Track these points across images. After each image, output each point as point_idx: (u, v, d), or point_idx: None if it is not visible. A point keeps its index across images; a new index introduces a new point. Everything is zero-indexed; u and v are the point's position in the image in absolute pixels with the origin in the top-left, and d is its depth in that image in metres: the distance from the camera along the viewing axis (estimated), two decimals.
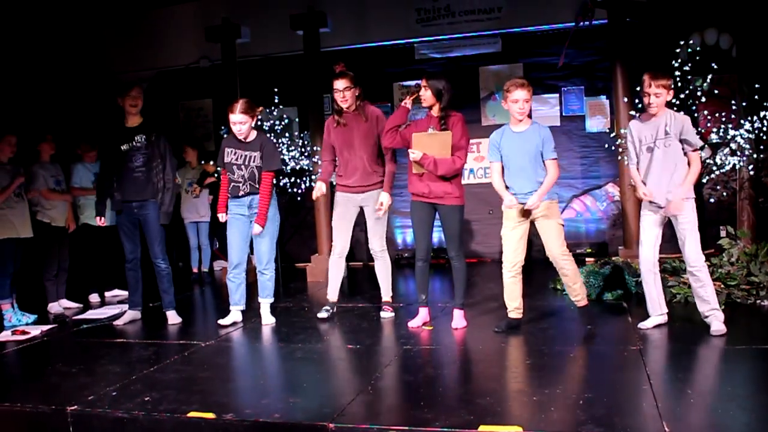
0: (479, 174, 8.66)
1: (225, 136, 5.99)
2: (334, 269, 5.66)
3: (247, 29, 8.36)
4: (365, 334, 5.08)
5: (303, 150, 8.30)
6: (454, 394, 3.70)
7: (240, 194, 5.41)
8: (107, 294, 7.27)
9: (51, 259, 6.64)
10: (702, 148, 4.89)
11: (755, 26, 7.09)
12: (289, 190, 8.37)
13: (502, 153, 4.80)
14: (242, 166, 5.40)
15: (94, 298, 7.07)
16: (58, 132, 6.94)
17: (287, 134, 8.48)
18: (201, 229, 8.40)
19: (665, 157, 4.53)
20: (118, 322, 5.75)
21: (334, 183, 5.72)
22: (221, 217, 5.57)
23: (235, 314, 5.55)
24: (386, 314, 5.55)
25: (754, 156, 6.73)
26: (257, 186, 5.39)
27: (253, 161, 5.39)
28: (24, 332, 5.59)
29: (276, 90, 8.11)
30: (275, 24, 8.49)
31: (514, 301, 4.91)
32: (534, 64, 8.44)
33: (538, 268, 7.95)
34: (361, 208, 5.60)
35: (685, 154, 4.53)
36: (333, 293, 5.68)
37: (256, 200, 5.38)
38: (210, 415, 3.39)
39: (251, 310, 5.66)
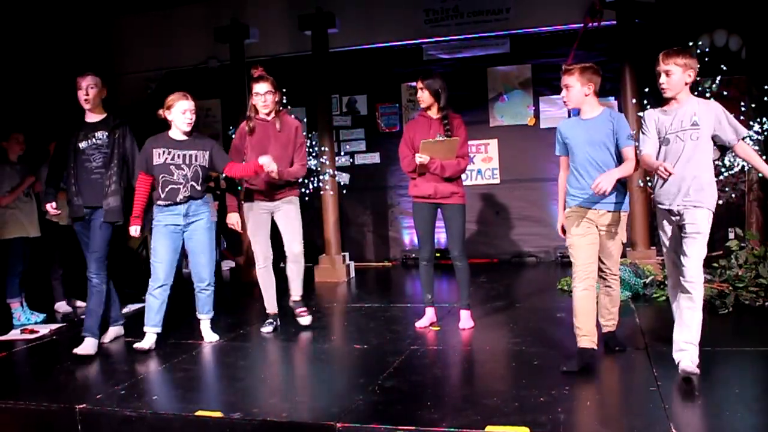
0: (487, 175, 8.65)
1: (232, 135, 5.74)
2: (264, 280, 5.33)
3: (255, 30, 8.37)
4: (372, 333, 5.08)
5: (311, 150, 8.30)
6: (461, 394, 3.70)
7: (178, 199, 4.79)
8: None
9: (59, 259, 6.65)
10: (719, 149, 4.11)
11: (765, 28, 7.07)
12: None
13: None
14: (183, 166, 4.79)
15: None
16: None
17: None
18: None
19: (687, 153, 3.70)
20: (104, 340, 5.07)
21: (241, 187, 5.34)
22: (134, 230, 4.84)
23: (151, 337, 4.86)
24: (304, 320, 5.34)
25: (764, 157, 6.70)
26: (199, 189, 4.86)
27: (197, 160, 4.84)
28: (33, 331, 5.62)
29: (284, 90, 8.10)
30: (284, 24, 8.52)
31: (587, 324, 3.96)
32: (542, 65, 8.43)
33: (545, 267, 7.97)
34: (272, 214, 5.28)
35: (723, 150, 3.90)
36: (271, 305, 5.39)
37: (194, 206, 4.85)
38: (218, 414, 3.40)
39: (260, 313, 5.67)
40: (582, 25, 7.39)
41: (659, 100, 6.64)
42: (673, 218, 3.81)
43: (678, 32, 7.23)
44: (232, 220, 5.17)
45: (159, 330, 4.88)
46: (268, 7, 8.80)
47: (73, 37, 8.73)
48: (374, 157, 9.02)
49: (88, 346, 4.76)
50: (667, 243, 3.96)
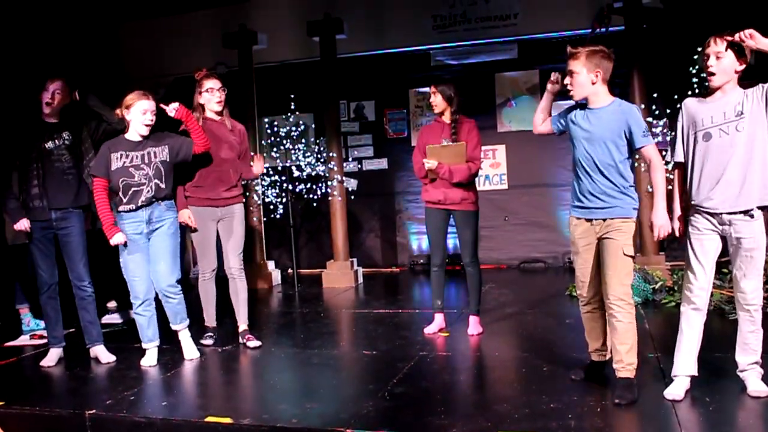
0: (495, 180, 8.64)
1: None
2: (206, 292, 5.16)
3: (264, 36, 8.39)
4: (381, 339, 5.08)
5: (319, 156, 8.32)
6: (471, 400, 3.70)
7: (140, 202, 4.50)
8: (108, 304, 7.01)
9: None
10: None
11: None
12: (305, 196, 8.41)
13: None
14: (143, 166, 4.49)
15: (111, 303, 7.10)
16: None
17: (303, 140, 8.51)
18: None
19: (734, 146, 3.29)
20: (46, 364, 4.78)
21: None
22: (119, 238, 4.49)
23: (153, 352, 4.72)
24: (253, 343, 5.07)
25: None
26: (164, 187, 4.57)
27: (157, 156, 4.55)
28: (42, 336, 5.62)
29: (292, 96, 8.15)
30: (292, 30, 8.53)
31: (594, 341, 3.89)
32: (550, 71, 8.34)
33: (554, 273, 7.95)
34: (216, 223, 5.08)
35: None
36: (211, 319, 5.25)
37: (158, 212, 4.57)
38: (227, 420, 3.41)
39: (267, 318, 5.68)
40: (590, 30, 7.39)
41: (668, 105, 6.66)
42: (719, 226, 3.43)
43: (686, 38, 7.21)
44: (184, 216, 4.88)
45: (157, 343, 4.75)
46: (277, 13, 8.81)
47: (83, 43, 8.77)
48: (382, 163, 9.02)
49: (106, 355, 4.83)
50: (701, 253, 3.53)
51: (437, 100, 4.95)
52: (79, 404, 3.78)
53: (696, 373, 3.50)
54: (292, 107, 8.13)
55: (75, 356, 5.03)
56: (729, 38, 3.39)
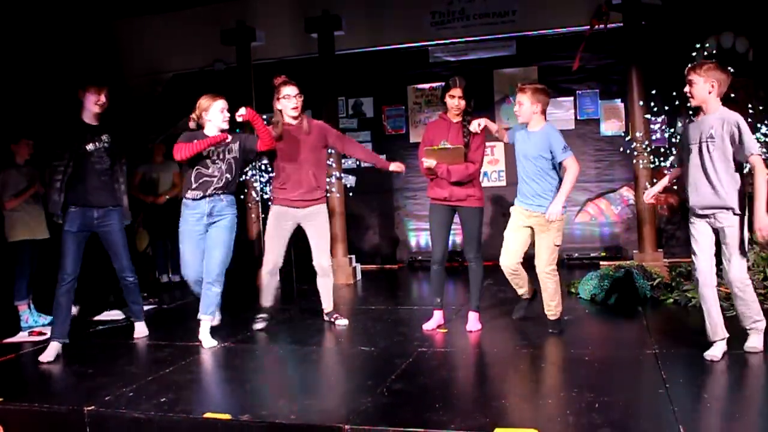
0: (493, 177, 8.65)
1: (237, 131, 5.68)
2: (267, 283, 5.39)
3: (261, 32, 8.38)
4: (379, 336, 5.08)
5: None
6: (470, 396, 3.70)
7: (208, 192, 4.93)
8: None
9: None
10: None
11: None
12: None
13: None
14: (218, 160, 4.98)
15: (109, 299, 7.10)
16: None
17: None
18: None
19: (704, 163, 3.99)
20: (44, 359, 4.76)
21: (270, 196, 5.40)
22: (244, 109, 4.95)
23: (205, 324, 5.05)
24: (341, 321, 5.45)
25: None
26: (231, 180, 5.02)
27: (231, 153, 5.03)
28: (41, 333, 5.63)
29: None
30: (290, 27, 8.52)
31: (520, 288, 5.15)
32: (549, 68, 8.43)
33: None
34: (299, 226, 5.36)
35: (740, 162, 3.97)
36: (266, 301, 5.46)
37: (219, 207, 4.98)
38: (226, 416, 3.41)
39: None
40: (588, 27, 7.39)
41: (666, 102, 6.68)
42: (704, 219, 4.10)
43: (685, 34, 7.22)
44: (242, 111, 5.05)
45: (211, 318, 5.09)
46: (275, 10, 8.80)
47: (80, 40, 8.76)
48: None
49: (141, 329, 5.41)
50: (699, 238, 4.16)
51: (461, 104, 4.94)
52: (78, 400, 3.77)
53: (727, 335, 4.06)
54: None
55: (73, 353, 5.03)
56: (701, 68, 4.05)
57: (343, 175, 7.99)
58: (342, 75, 8.38)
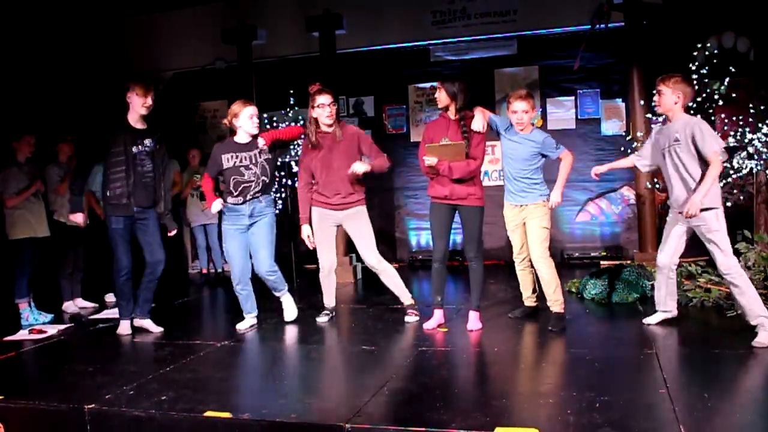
0: (494, 176, 8.65)
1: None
2: (325, 283, 5.60)
3: (263, 31, 8.40)
4: (380, 335, 5.08)
5: None
6: (470, 395, 3.70)
7: (249, 197, 5.24)
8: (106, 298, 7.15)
9: (66, 259, 6.69)
10: (726, 150, 4.62)
11: None
12: None
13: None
14: (251, 165, 5.23)
15: (109, 297, 7.11)
16: (78, 133, 6.98)
17: (302, 136, 8.46)
18: (210, 232, 8.36)
19: (676, 165, 4.48)
20: (122, 332, 5.38)
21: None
22: (216, 205, 5.28)
23: (249, 320, 5.50)
24: (411, 318, 5.45)
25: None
26: (268, 182, 5.33)
27: (263, 155, 5.26)
28: (41, 331, 5.64)
29: (291, 92, 8.14)
30: (291, 26, 8.53)
31: (525, 291, 5.40)
32: (550, 67, 8.43)
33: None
34: (339, 226, 5.52)
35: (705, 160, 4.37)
36: (330, 301, 5.67)
37: (258, 208, 5.30)
38: (226, 415, 3.41)
39: (264, 311, 5.67)
40: (589, 26, 7.39)
41: None
42: (680, 217, 4.57)
43: (686, 34, 7.22)
44: (305, 233, 5.43)
45: (254, 314, 5.54)
46: (276, 9, 8.81)
47: (84, 38, 8.77)
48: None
49: (153, 327, 5.49)
50: (668, 234, 4.80)
51: (441, 96, 4.94)
52: (79, 399, 3.77)
53: (671, 311, 4.85)
54: (292, 102, 8.11)
55: (73, 351, 5.04)
56: (668, 80, 4.53)
57: None
58: (343, 74, 8.39)
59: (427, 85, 8.86)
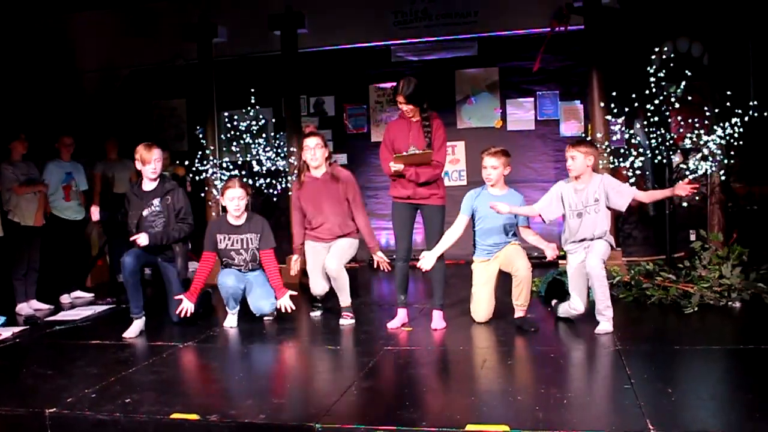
0: (454, 177, 8.69)
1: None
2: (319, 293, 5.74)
3: (224, 29, 8.29)
4: (344, 335, 5.07)
5: (279, 151, 8.26)
6: (440, 394, 3.72)
7: (240, 271, 5.54)
8: (71, 295, 7.07)
9: (20, 259, 6.51)
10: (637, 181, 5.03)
11: (726, 35, 7.26)
12: (265, 191, 8.31)
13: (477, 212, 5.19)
14: (242, 251, 5.46)
15: (65, 299, 6.95)
16: (30, 131, 6.80)
17: (263, 135, 8.41)
18: None
19: (594, 223, 4.79)
20: (129, 335, 5.22)
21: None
22: (190, 308, 5.31)
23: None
24: (346, 321, 5.41)
25: (725, 161, 6.87)
26: (257, 264, 5.52)
27: (252, 243, 5.46)
28: None
29: (252, 90, 8.05)
30: (253, 24, 8.42)
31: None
32: (510, 68, 8.51)
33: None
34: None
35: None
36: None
37: (250, 274, 5.53)
38: (194, 417, 3.35)
39: (223, 314, 5.61)
40: (549, 29, 7.49)
41: (626, 104, 6.81)
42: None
43: (643, 38, 7.38)
44: (294, 261, 5.81)
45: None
46: (238, 6, 8.69)
47: (35, 34, 8.54)
48: (342, 159, 8.95)
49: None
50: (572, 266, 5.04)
51: (408, 109, 4.93)
52: (39, 403, 3.67)
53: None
54: (252, 101, 8.03)
55: (31, 354, 4.92)
56: (579, 147, 4.85)
57: None
58: (304, 73, 8.34)
59: (388, 85, 8.86)
